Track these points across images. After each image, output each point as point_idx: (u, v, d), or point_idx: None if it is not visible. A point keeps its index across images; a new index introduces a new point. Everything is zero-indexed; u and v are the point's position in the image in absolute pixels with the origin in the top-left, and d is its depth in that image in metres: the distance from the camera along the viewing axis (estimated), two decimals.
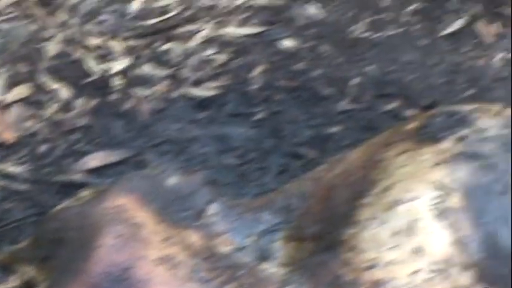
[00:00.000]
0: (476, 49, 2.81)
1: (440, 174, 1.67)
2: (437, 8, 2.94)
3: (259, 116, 2.63)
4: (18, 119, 2.61)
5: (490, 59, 2.74)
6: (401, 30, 2.89)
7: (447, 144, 1.73)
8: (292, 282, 1.75)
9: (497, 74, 2.72)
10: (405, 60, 2.79)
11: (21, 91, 2.69)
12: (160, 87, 2.68)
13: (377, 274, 1.62)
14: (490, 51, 2.76)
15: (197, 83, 2.71)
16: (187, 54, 2.77)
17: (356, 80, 2.69)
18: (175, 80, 2.73)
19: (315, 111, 2.65)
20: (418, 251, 1.62)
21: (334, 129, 2.57)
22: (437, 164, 1.71)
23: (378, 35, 2.82)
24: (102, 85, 2.76)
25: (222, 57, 2.78)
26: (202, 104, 2.65)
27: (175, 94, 2.69)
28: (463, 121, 1.80)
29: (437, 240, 1.62)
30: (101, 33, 2.93)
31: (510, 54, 2.86)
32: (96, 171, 2.54)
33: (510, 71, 2.76)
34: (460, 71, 2.77)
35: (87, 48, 2.83)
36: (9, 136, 2.48)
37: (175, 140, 2.57)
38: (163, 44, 2.88)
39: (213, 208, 1.92)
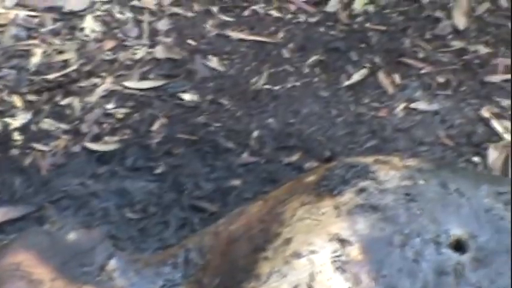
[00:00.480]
0: (378, 100, 2.86)
1: (340, 227, 1.66)
2: (338, 60, 2.99)
3: (159, 169, 2.61)
4: None
5: (392, 110, 2.79)
6: (302, 81, 2.92)
7: (347, 197, 1.72)
8: None
9: (398, 124, 2.77)
10: (306, 112, 2.81)
11: None
12: (60, 142, 2.66)
13: None
14: (391, 102, 2.81)
15: (97, 137, 2.68)
16: (87, 109, 2.73)
17: (257, 133, 2.70)
18: (75, 134, 2.70)
19: (215, 165, 2.66)
20: None
21: (235, 182, 2.57)
22: (336, 216, 1.69)
23: (279, 87, 2.84)
24: (2, 140, 2.72)
25: (122, 111, 2.77)
26: (102, 158, 2.62)
27: (75, 149, 2.65)
28: (362, 173, 1.80)
29: None
30: (0, 89, 2.90)
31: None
32: None
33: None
34: (362, 122, 2.81)
35: None
36: None
37: (75, 195, 2.53)
38: (63, 98, 2.84)
39: (112, 263, 1.90)
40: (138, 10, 3.11)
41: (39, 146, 2.70)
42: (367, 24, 3.10)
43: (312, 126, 2.76)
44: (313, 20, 3.11)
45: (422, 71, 2.93)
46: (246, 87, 2.94)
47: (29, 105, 2.81)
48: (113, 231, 2.50)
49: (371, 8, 3.13)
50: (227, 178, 2.62)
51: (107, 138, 2.69)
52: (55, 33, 3.13)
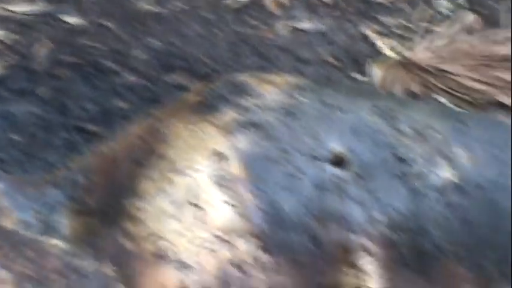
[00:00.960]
0: (263, 21, 2.87)
1: (221, 145, 1.69)
2: None
3: (44, 92, 2.58)
4: None
5: (277, 30, 2.81)
6: (186, 3, 2.91)
7: (227, 115, 1.75)
8: (77, 255, 1.75)
9: (283, 44, 2.78)
10: (191, 33, 2.81)
11: None
12: None
13: (160, 244, 1.64)
14: (276, 22, 2.83)
15: None
16: None
17: (141, 54, 2.69)
18: None
19: (100, 86, 2.61)
20: (199, 221, 1.63)
21: (119, 103, 2.55)
22: (217, 134, 1.72)
23: (164, 9, 2.82)
24: None
25: (6, 35, 2.72)
26: None
27: None
28: (243, 91, 1.82)
29: (219, 210, 1.64)
30: None
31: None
32: None
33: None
34: (246, 43, 2.81)
35: None
36: None
37: None
38: None
39: None
40: None
41: None
42: None
43: (195, 47, 2.75)
44: None
45: None
46: (131, 10, 2.90)
47: None
48: None
49: None
50: (112, 100, 2.58)
51: None
52: None
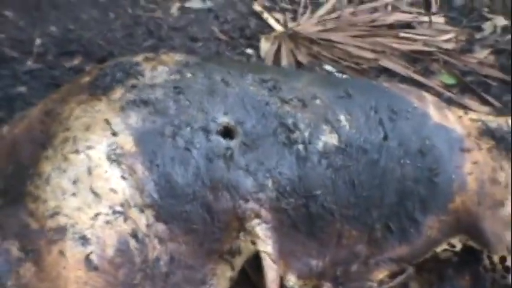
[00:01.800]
0: (154, 2, 2.93)
1: (114, 122, 1.72)
2: None
3: None
4: None
5: (167, 10, 2.87)
6: None
7: (118, 94, 1.78)
8: None
9: (174, 23, 2.83)
10: (86, 18, 2.84)
11: None
12: None
13: (60, 220, 1.65)
14: (166, 2, 2.91)
15: None
16: None
17: (40, 41, 2.70)
18: None
19: (1, 73, 2.63)
20: (97, 196, 1.65)
21: (20, 89, 2.58)
22: (109, 112, 1.75)
23: None
24: None
25: None
26: None
27: None
28: (132, 71, 1.85)
29: (115, 184, 1.66)
30: None
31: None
32: None
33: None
34: (139, 24, 2.87)
35: None
36: None
37: None
38: None
39: None
40: None
41: None
42: None
43: (91, 31, 2.80)
44: None
45: None
46: None
47: None
48: None
49: None
50: (13, 85, 2.61)
51: None
52: None
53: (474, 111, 2.49)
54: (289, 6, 3.00)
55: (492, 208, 2.10)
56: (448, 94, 2.78)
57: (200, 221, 1.79)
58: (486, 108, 2.68)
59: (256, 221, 1.82)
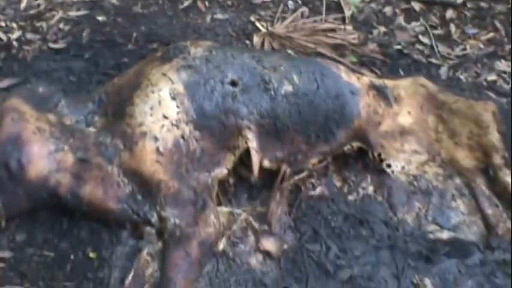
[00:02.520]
0: (197, 14, 3.41)
1: (172, 77, 2.33)
2: None
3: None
4: None
5: (205, 19, 3.37)
6: (161, 6, 3.44)
7: (175, 62, 2.38)
8: (102, 135, 2.33)
9: (208, 26, 3.34)
10: (160, 22, 3.36)
11: None
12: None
13: (143, 129, 2.25)
14: (204, 14, 3.39)
15: None
16: None
17: (135, 34, 3.23)
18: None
19: (114, 51, 3.23)
20: (163, 117, 2.27)
21: (124, 59, 3.11)
22: (170, 72, 2.36)
23: (147, 9, 3.41)
24: None
25: None
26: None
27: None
28: (183, 50, 2.45)
29: (172, 110, 2.27)
30: None
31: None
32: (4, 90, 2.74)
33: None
34: (189, 26, 3.36)
35: None
36: None
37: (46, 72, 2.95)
38: None
39: (62, 102, 2.46)
40: None
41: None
42: None
43: (163, 29, 3.34)
44: None
45: None
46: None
47: None
48: (63, 86, 2.86)
49: None
50: (120, 58, 3.16)
51: None
52: None
53: (366, 75, 2.83)
54: (269, 18, 3.46)
55: (374, 127, 2.59)
56: (353, 67, 3.07)
57: (218, 130, 2.34)
58: (373, 75, 3.08)
59: (248, 130, 2.36)
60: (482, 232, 2.48)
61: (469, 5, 3.71)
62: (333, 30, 3.41)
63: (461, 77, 3.26)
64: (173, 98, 2.32)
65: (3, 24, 3.40)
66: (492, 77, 3.26)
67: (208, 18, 3.49)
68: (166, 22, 3.43)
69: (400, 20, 3.61)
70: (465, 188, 2.59)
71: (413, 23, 3.62)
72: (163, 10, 3.53)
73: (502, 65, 3.32)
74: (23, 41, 3.30)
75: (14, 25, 3.40)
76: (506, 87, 3.23)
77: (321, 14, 3.50)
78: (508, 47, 3.41)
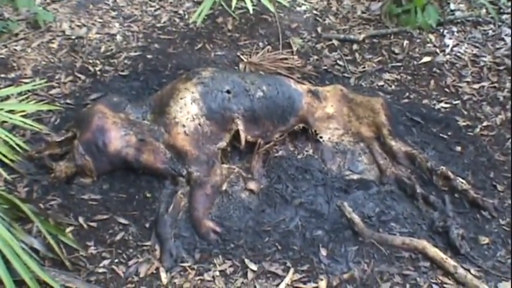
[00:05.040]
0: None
1: (192, 89, 2.75)
2: None
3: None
4: None
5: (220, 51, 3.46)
6: (182, 48, 3.66)
7: (194, 80, 2.80)
8: (152, 125, 2.75)
9: (213, 60, 3.51)
10: (182, 53, 3.55)
11: None
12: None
13: (177, 121, 2.67)
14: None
15: None
16: None
17: (169, 65, 3.38)
18: None
19: (151, 76, 3.45)
20: (187, 113, 2.68)
21: (163, 80, 3.39)
22: (191, 86, 2.76)
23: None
24: None
25: None
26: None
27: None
28: (198, 73, 2.81)
29: (194, 109, 2.71)
30: None
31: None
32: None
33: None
34: (202, 58, 3.54)
35: None
36: None
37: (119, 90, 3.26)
38: None
39: (127, 106, 2.82)
40: None
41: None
42: None
43: (184, 61, 3.48)
44: None
45: None
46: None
47: None
48: (128, 97, 3.15)
49: None
50: (159, 80, 3.43)
51: None
52: None
53: (306, 85, 3.10)
54: (248, 53, 3.73)
55: (311, 115, 2.91)
56: (298, 80, 3.30)
57: (220, 119, 2.73)
58: (310, 84, 3.31)
59: (237, 119, 2.76)
60: (378, 174, 2.86)
61: (366, 41, 4.03)
62: (286, 59, 3.74)
63: (363, 84, 3.66)
64: (193, 102, 2.77)
65: (91, 61, 3.68)
66: (381, 83, 3.65)
67: (212, 54, 3.85)
68: (188, 57, 3.79)
69: (326, 51, 3.96)
70: (367, 149, 2.98)
71: (334, 53, 3.93)
72: (185, 50, 3.89)
73: (386, 76, 3.61)
74: (103, 70, 3.67)
75: (98, 61, 3.80)
76: (390, 89, 3.57)
77: (279, 50, 3.84)
78: (391, 65, 3.67)
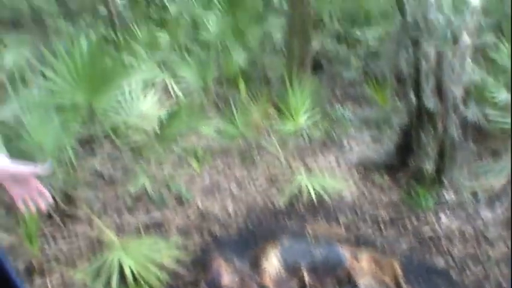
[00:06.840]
0: None
1: (276, 250, 3.72)
2: None
3: None
4: None
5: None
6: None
7: (278, 244, 3.74)
8: (250, 272, 3.63)
9: None
10: None
11: None
12: None
13: (264, 269, 3.60)
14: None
15: None
16: None
17: None
18: None
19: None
20: (272, 265, 3.64)
21: None
22: (275, 247, 3.73)
23: None
24: None
25: None
26: None
27: None
28: (281, 240, 3.76)
29: (276, 262, 3.69)
30: None
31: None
32: None
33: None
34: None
35: None
36: None
37: None
38: None
39: (235, 259, 3.69)
40: None
41: None
42: None
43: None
44: None
45: None
46: None
47: None
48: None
49: None
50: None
51: None
52: None
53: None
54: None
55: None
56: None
57: (291, 270, 3.59)
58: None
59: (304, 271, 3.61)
60: None
61: None
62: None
63: None
64: (275, 257, 3.81)
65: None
66: None
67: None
68: (273, 228, 4.44)
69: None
70: None
71: None
72: (269, 224, 4.48)
73: None
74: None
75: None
76: None
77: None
78: None
